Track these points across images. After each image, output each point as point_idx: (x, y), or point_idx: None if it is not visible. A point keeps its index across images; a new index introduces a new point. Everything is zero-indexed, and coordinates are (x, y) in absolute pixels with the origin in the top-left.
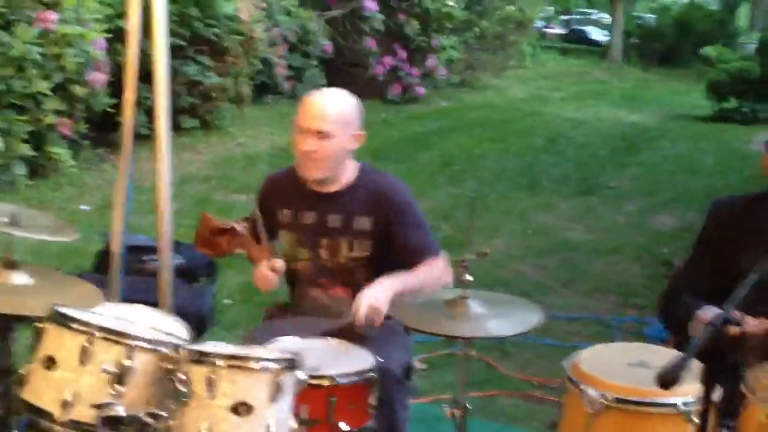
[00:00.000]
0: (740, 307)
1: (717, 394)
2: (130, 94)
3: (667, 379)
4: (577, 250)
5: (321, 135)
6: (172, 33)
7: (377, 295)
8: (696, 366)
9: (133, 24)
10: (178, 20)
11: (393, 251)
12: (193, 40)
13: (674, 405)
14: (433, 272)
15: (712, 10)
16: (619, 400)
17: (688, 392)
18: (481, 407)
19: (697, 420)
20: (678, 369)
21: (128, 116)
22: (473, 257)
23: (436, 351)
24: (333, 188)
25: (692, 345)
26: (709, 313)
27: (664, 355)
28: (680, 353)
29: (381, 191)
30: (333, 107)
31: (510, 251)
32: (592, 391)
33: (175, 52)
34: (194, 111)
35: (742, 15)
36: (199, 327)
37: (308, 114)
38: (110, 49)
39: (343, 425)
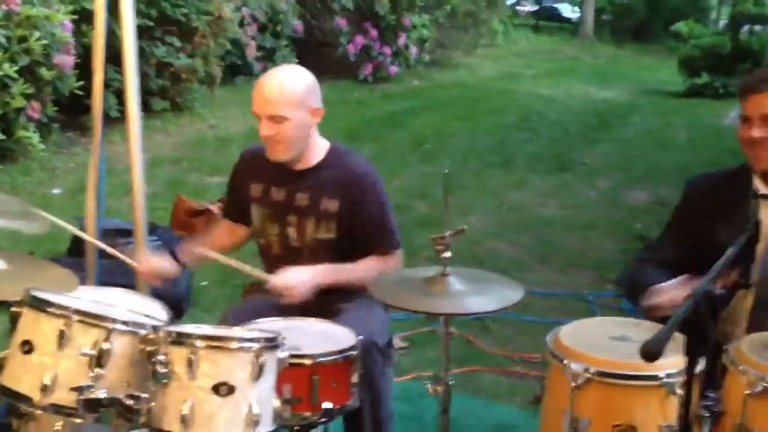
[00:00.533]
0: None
1: (699, 366)
2: (99, 76)
3: (651, 352)
4: (551, 226)
5: (275, 119)
6: (140, 13)
7: (301, 279)
8: (678, 338)
9: (99, 4)
10: (146, 0)
11: (357, 237)
12: (161, 21)
13: (657, 377)
14: (380, 267)
15: None
16: (601, 374)
17: (670, 365)
18: (463, 383)
19: (680, 392)
20: (661, 341)
21: (97, 98)
22: (451, 234)
23: (416, 329)
24: (303, 165)
25: (674, 317)
26: (661, 293)
27: (645, 329)
28: (661, 326)
29: (350, 176)
30: (282, 89)
31: (485, 228)
32: (574, 365)
33: (143, 33)
34: (164, 93)
35: None
36: (177, 309)
37: (259, 100)
38: (76, 30)
39: (326, 404)
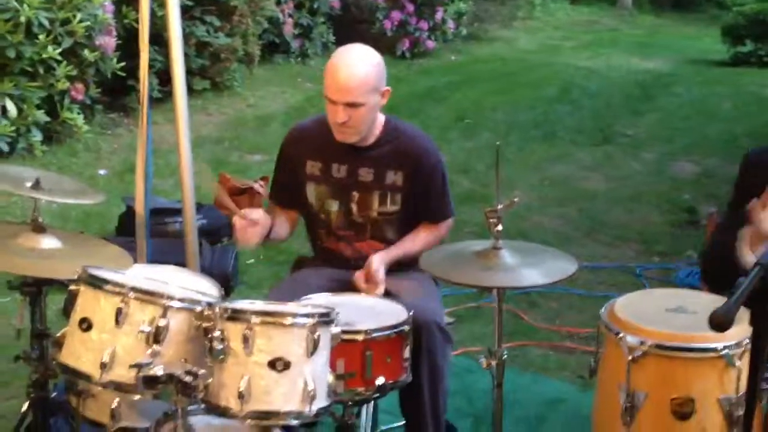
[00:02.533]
0: None
1: (764, 338)
2: (144, 56)
3: (722, 322)
4: (595, 199)
5: (352, 106)
6: None
7: (381, 269)
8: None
9: None
10: None
11: (416, 208)
12: (201, 1)
13: (715, 349)
14: (434, 237)
15: None
16: (658, 346)
17: (729, 336)
18: (511, 358)
19: (738, 363)
20: (731, 311)
21: (143, 79)
22: (502, 207)
23: (462, 304)
24: (365, 142)
25: (742, 287)
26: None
27: (702, 300)
28: (719, 296)
29: (412, 148)
30: (359, 76)
31: (529, 203)
32: (630, 338)
33: (183, 13)
34: (204, 72)
35: None
36: (225, 286)
37: (335, 86)
38: (117, 12)
39: (380, 379)
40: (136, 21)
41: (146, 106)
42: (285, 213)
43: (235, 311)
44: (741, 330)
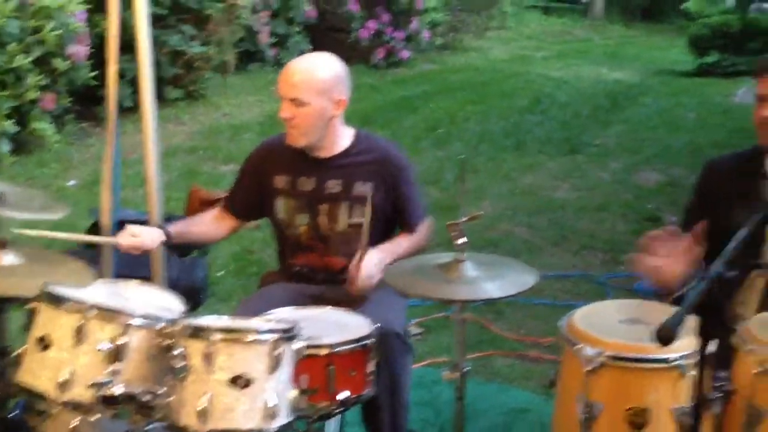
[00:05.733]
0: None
1: (711, 347)
2: (113, 67)
3: (666, 335)
4: (564, 208)
5: (296, 102)
6: (154, 2)
7: (373, 265)
8: (689, 320)
9: None
10: None
11: (390, 217)
12: (175, 9)
13: (668, 360)
14: (420, 238)
15: None
16: (614, 358)
17: (682, 347)
18: (477, 368)
19: (692, 373)
20: (675, 325)
21: (112, 89)
22: (465, 220)
23: (431, 315)
24: (330, 153)
25: (688, 299)
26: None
27: (658, 311)
28: (673, 308)
29: (381, 157)
30: (308, 75)
31: (498, 212)
32: (588, 350)
33: (157, 21)
34: (178, 81)
35: None
36: (193, 300)
37: (283, 81)
38: (90, 20)
39: (343, 393)
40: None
41: (114, 117)
42: (229, 221)
43: (196, 328)
44: (694, 340)
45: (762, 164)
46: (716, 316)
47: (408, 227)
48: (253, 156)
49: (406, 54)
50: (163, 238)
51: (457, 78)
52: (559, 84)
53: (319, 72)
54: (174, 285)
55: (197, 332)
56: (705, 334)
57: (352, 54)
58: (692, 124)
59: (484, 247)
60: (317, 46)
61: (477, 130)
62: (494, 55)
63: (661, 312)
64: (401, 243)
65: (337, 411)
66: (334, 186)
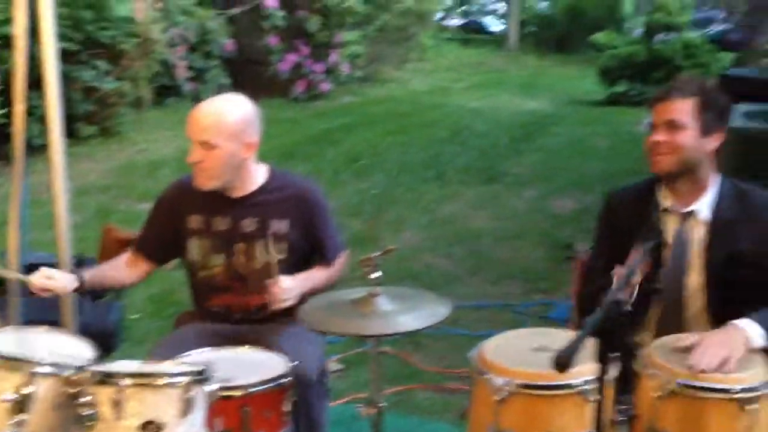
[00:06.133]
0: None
1: (612, 372)
2: (20, 107)
3: (562, 362)
4: (482, 237)
5: (205, 146)
6: (65, 38)
7: (290, 282)
8: (593, 346)
9: (19, 29)
10: (71, 24)
11: (307, 253)
12: (87, 44)
13: (572, 386)
14: (335, 271)
15: None
16: (522, 386)
17: (585, 372)
18: (397, 403)
19: (597, 398)
20: (571, 352)
21: (19, 127)
22: (379, 254)
23: (351, 350)
24: (244, 191)
25: (585, 326)
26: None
27: (564, 338)
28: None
29: (297, 194)
30: (217, 118)
31: (418, 243)
32: (497, 379)
33: (69, 57)
34: (92, 118)
35: (629, 0)
36: (107, 344)
37: (193, 124)
38: None
39: None
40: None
41: (21, 156)
42: (143, 264)
43: (105, 375)
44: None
45: (651, 194)
46: (618, 342)
47: (325, 262)
48: (165, 196)
49: (326, 87)
50: (76, 284)
51: (377, 110)
52: (477, 114)
53: (228, 115)
54: (86, 330)
55: (106, 378)
56: (603, 360)
57: (271, 87)
58: (604, 152)
59: (404, 279)
60: (236, 79)
61: (398, 161)
62: (414, 87)
63: (567, 339)
64: (316, 275)
65: None
66: (249, 224)
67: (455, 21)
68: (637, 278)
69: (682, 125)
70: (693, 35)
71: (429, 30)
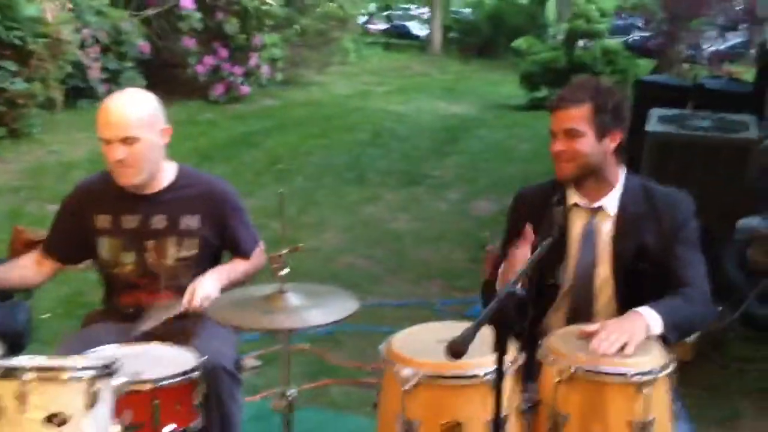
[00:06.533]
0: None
1: (519, 361)
2: None
3: (455, 350)
4: (403, 239)
5: (128, 141)
6: None
7: (210, 285)
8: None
9: None
10: None
11: (222, 247)
12: None
13: (477, 375)
14: (256, 262)
15: (523, 3)
16: (429, 377)
17: (490, 362)
18: (314, 398)
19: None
20: (466, 340)
21: None
22: (287, 251)
23: (269, 347)
24: (154, 189)
25: (479, 317)
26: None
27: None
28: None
29: (208, 190)
30: (132, 110)
31: (339, 244)
32: (404, 370)
33: None
34: (1, 119)
35: (551, 7)
36: (16, 344)
37: (108, 123)
38: None
39: (169, 427)
40: None
41: None
42: (50, 264)
43: (7, 369)
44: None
45: (556, 192)
46: (521, 333)
47: (242, 254)
48: (70, 198)
49: (246, 89)
50: None
51: (299, 113)
52: (400, 118)
53: (139, 106)
54: None
55: (9, 373)
56: (501, 349)
57: (189, 89)
58: (525, 155)
59: (325, 278)
60: (153, 81)
61: (319, 163)
62: (336, 90)
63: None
64: (237, 267)
65: None
66: (159, 221)
67: (379, 25)
68: (531, 272)
69: (579, 133)
70: (612, 42)
71: (351, 34)
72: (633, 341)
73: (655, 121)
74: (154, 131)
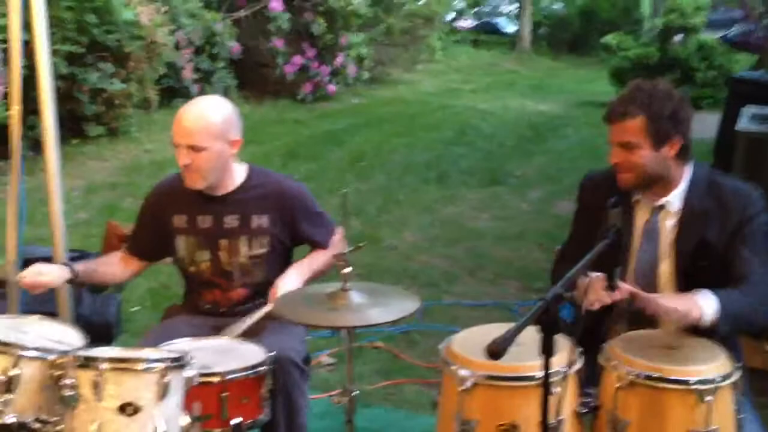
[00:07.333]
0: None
1: (577, 365)
2: (16, 107)
3: (495, 350)
4: (482, 238)
5: (192, 149)
6: (71, 40)
7: (292, 281)
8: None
9: (14, 31)
10: (76, 28)
11: (294, 244)
12: (93, 47)
13: (534, 377)
14: (335, 249)
15: None
16: (487, 377)
17: (552, 364)
18: (386, 396)
19: (558, 390)
20: (506, 341)
21: (15, 129)
22: (350, 251)
23: (343, 345)
24: (225, 190)
25: (523, 319)
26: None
27: (529, 333)
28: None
29: (277, 190)
30: (200, 121)
31: (418, 243)
32: (462, 371)
33: (75, 59)
34: (99, 118)
35: (646, 1)
36: (106, 335)
37: (177, 129)
38: (5, 58)
39: (236, 419)
40: (25, 68)
41: (18, 155)
42: (134, 262)
43: (86, 359)
44: (561, 358)
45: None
46: (591, 337)
47: (320, 247)
48: (150, 198)
49: (332, 88)
50: (67, 275)
51: (383, 111)
52: (485, 116)
53: (211, 116)
54: (86, 321)
55: (86, 362)
56: (549, 351)
57: (278, 89)
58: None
59: (402, 278)
60: (243, 81)
61: (402, 162)
62: (422, 88)
63: (532, 334)
64: (317, 259)
65: None
66: (231, 221)
67: (468, 23)
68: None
69: (635, 145)
70: (708, 37)
71: (438, 32)
72: (686, 313)
73: (747, 120)
74: (223, 141)
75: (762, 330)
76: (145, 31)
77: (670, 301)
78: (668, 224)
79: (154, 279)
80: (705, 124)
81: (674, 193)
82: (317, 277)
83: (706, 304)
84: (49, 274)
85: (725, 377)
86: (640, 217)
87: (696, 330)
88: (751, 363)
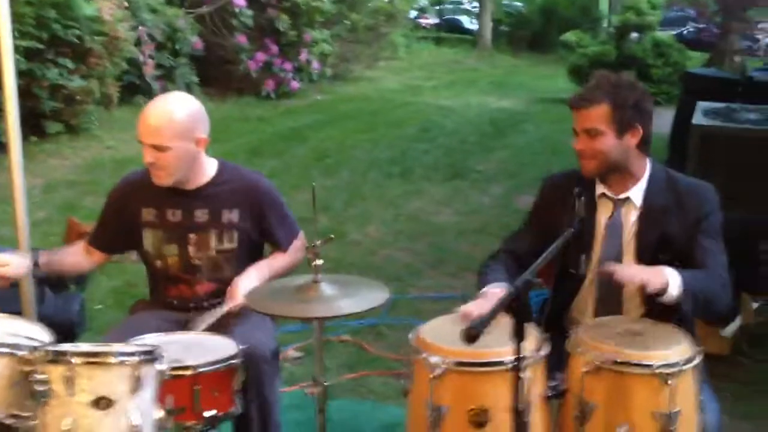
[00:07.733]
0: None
1: (544, 350)
2: None
3: (470, 335)
4: (445, 232)
5: (156, 148)
6: (30, 36)
7: (249, 282)
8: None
9: None
10: (35, 23)
11: (257, 242)
12: (53, 43)
13: (503, 363)
14: (295, 256)
15: None
16: (457, 363)
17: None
18: (353, 388)
19: (528, 374)
20: (481, 326)
21: None
22: (320, 243)
23: (310, 339)
24: (196, 185)
25: (496, 305)
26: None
27: (498, 320)
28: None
29: (247, 185)
30: (164, 120)
31: (382, 237)
32: (433, 358)
33: (35, 55)
34: (58, 115)
35: (604, 0)
36: (70, 334)
37: (142, 128)
38: None
39: (209, 412)
40: None
41: None
42: (96, 254)
43: (57, 353)
44: (529, 344)
45: (582, 183)
46: (558, 323)
47: (281, 248)
48: (116, 191)
49: (296, 85)
50: (29, 264)
51: (347, 108)
52: (447, 112)
53: (176, 115)
54: (48, 320)
55: (57, 357)
56: (518, 336)
57: (241, 85)
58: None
59: (367, 271)
60: (205, 77)
61: (365, 158)
62: (385, 85)
63: (502, 322)
64: (276, 261)
65: (205, 429)
66: (202, 215)
67: (431, 20)
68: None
69: (599, 132)
70: (664, 35)
71: (401, 29)
72: (650, 282)
73: (701, 115)
74: (188, 140)
75: (719, 315)
76: (106, 27)
77: (637, 269)
78: (631, 219)
79: (117, 277)
80: (662, 119)
81: (636, 187)
82: (275, 279)
83: (672, 276)
84: (11, 264)
85: (687, 361)
86: (603, 213)
87: (660, 312)
88: (708, 348)
